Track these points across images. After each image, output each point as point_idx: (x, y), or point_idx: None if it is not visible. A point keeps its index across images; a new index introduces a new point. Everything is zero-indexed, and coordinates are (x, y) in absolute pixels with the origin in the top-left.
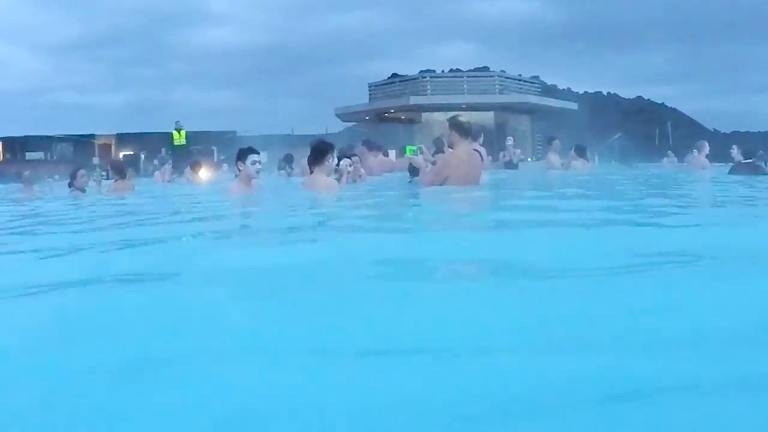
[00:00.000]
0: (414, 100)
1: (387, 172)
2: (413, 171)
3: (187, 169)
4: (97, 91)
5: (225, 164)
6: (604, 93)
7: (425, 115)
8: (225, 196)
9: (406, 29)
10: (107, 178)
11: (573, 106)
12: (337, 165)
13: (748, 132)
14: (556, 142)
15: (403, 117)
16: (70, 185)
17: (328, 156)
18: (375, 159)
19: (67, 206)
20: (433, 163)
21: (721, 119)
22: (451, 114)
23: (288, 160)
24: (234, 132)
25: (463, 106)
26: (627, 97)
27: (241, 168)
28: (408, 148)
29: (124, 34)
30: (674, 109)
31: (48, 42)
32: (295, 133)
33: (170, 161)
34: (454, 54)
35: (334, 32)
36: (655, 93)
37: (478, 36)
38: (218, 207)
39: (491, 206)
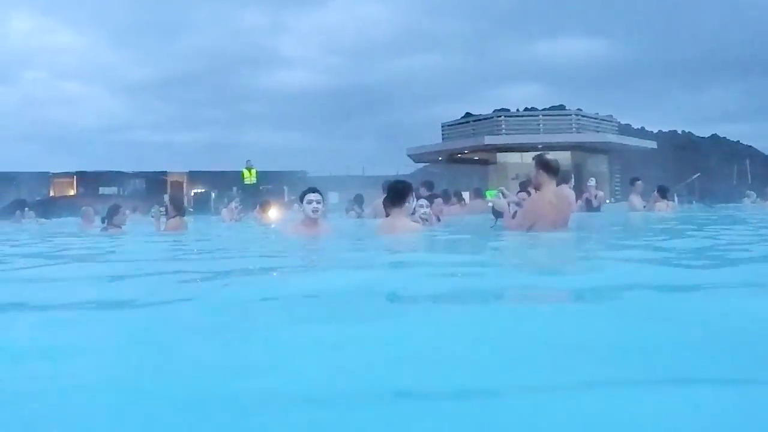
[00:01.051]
0: (488, 139)
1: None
2: (497, 213)
3: (257, 208)
4: (171, 130)
5: (296, 204)
6: (679, 132)
7: (500, 156)
8: (280, 237)
9: (473, 72)
10: (166, 214)
11: (652, 144)
12: None
13: None
14: (639, 183)
15: (476, 158)
16: (103, 221)
17: (409, 197)
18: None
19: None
20: (518, 205)
21: None
22: (527, 154)
23: (358, 200)
24: (304, 172)
25: (539, 146)
26: (702, 136)
27: (301, 208)
28: (489, 192)
29: (196, 76)
30: (750, 147)
31: (124, 82)
32: (365, 174)
33: (238, 199)
34: (523, 96)
35: (402, 75)
36: (730, 131)
37: (544, 77)
38: (270, 248)
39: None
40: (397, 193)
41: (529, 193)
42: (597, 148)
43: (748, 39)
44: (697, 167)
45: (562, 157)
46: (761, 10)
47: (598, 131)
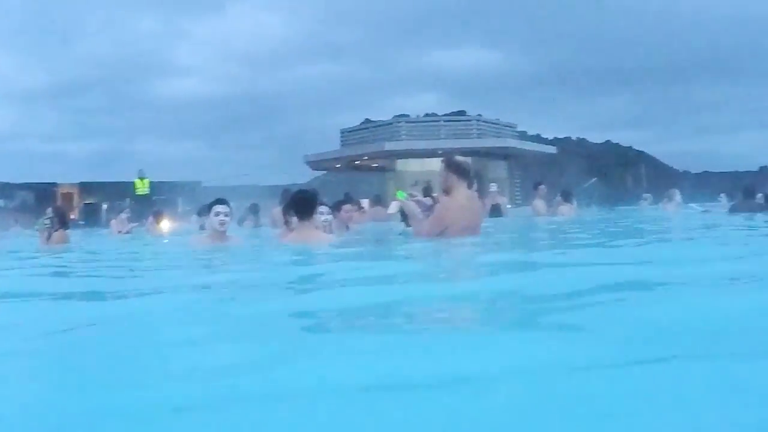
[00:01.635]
0: (388, 145)
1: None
2: (406, 219)
3: (149, 219)
4: (62, 139)
5: (195, 215)
6: (573, 138)
7: (399, 162)
8: (184, 250)
9: (373, 81)
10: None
11: (551, 150)
12: None
13: (722, 172)
14: (543, 188)
15: (375, 165)
16: None
17: (317, 207)
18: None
19: None
20: (429, 209)
21: (686, 160)
22: (427, 160)
23: (253, 210)
24: (199, 182)
25: (439, 152)
26: (596, 142)
27: (203, 221)
28: (399, 193)
29: (90, 83)
30: (642, 152)
31: (13, 89)
32: (261, 184)
33: (127, 209)
34: (422, 105)
35: (300, 84)
36: (623, 137)
37: (443, 86)
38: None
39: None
40: (305, 204)
41: (433, 199)
42: (497, 153)
43: (638, 51)
44: (593, 172)
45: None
46: (651, 23)
47: (498, 137)
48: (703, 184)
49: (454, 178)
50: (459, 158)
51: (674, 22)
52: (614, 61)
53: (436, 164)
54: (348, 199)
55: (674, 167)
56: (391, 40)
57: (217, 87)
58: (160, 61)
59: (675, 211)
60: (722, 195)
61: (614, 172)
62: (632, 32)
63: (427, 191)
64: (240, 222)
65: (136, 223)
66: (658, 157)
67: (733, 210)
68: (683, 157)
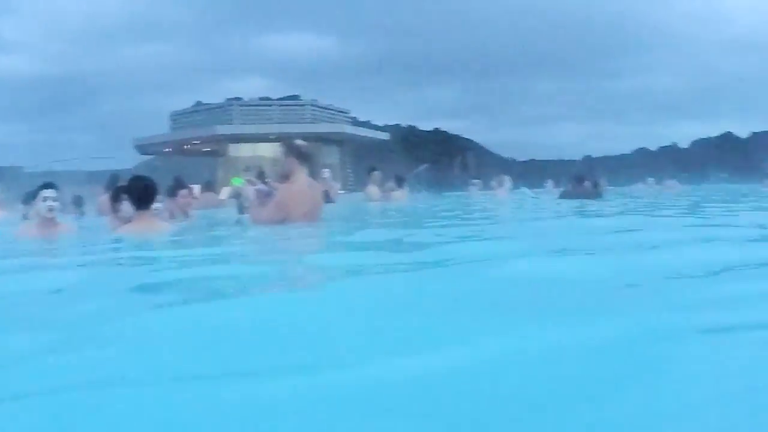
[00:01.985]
0: (220, 129)
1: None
2: (242, 206)
3: None
4: None
5: (20, 204)
6: (403, 125)
7: (231, 147)
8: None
9: (206, 63)
10: None
11: (384, 136)
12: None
13: (548, 160)
14: (377, 173)
15: (206, 149)
16: None
17: (157, 196)
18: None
19: None
20: (267, 195)
21: (512, 149)
22: (260, 145)
23: (77, 202)
24: (21, 168)
25: (272, 137)
26: (425, 129)
27: (30, 208)
28: (236, 179)
29: None
30: (470, 140)
31: None
32: (85, 169)
33: None
34: (254, 89)
35: (128, 64)
36: (451, 126)
37: (275, 71)
38: None
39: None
40: (144, 191)
41: (268, 185)
42: (330, 138)
43: (464, 42)
44: (423, 158)
45: None
46: (477, 16)
47: (332, 122)
48: (529, 172)
49: (295, 163)
50: (300, 142)
51: (503, 17)
52: (443, 52)
53: (268, 149)
54: (181, 184)
55: (501, 155)
56: (222, 22)
57: (41, 66)
58: None
59: (506, 196)
60: (549, 181)
61: (443, 159)
62: (461, 24)
63: (261, 176)
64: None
65: None
66: (485, 146)
67: (563, 196)
68: (510, 146)
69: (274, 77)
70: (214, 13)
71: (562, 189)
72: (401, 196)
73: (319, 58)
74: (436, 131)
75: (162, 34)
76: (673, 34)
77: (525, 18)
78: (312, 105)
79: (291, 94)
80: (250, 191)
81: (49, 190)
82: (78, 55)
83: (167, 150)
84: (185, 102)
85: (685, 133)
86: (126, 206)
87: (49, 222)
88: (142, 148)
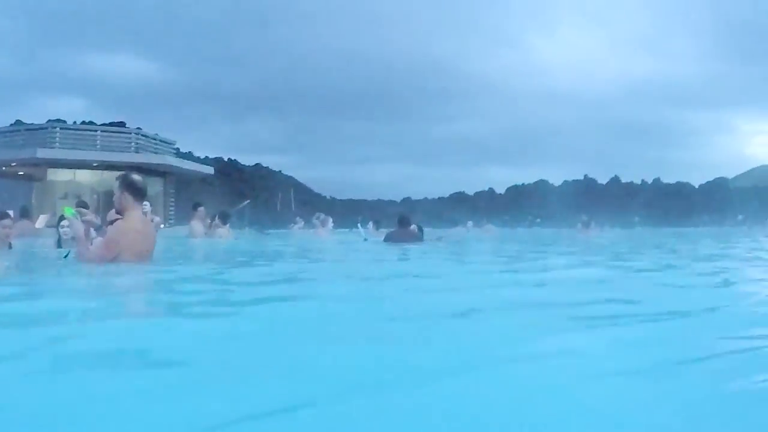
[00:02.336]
0: (41, 153)
1: None
2: (64, 242)
3: None
4: None
5: None
6: (225, 159)
7: (50, 171)
8: None
9: (21, 78)
10: None
11: (209, 170)
12: None
13: (367, 200)
14: (202, 209)
15: (21, 172)
16: None
17: None
18: None
19: None
20: (97, 230)
21: (331, 187)
22: (80, 171)
23: None
24: None
25: (95, 164)
26: (247, 164)
27: None
28: (67, 209)
29: None
30: (291, 177)
31: None
32: None
33: None
34: (74, 109)
35: None
36: (272, 161)
37: (96, 92)
38: None
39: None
40: None
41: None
42: (154, 170)
43: (289, 77)
44: (245, 194)
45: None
46: (300, 52)
47: (156, 152)
48: (348, 211)
49: (130, 199)
50: (136, 177)
51: (327, 56)
52: (266, 87)
53: (88, 176)
54: (3, 212)
55: (321, 193)
56: (42, 35)
57: None
58: None
59: (328, 235)
60: (370, 222)
61: (264, 195)
62: (287, 60)
63: (82, 205)
64: None
65: None
66: (305, 183)
67: (388, 239)
68: (330, 184)
69: (94, 98)
70: (34, 25)
71: (385, 231)
72: (225, 233)
73: (142, 82)
74: (258, 166)
75: None
76: (492, 84)
77: (350, 59)
78: (137, 133)
79: (115, 120)
80: (78, 225)
81: None
82: None
83: None
84: (2, 117)
85: (500, 179)
86: None
87: None
88: None
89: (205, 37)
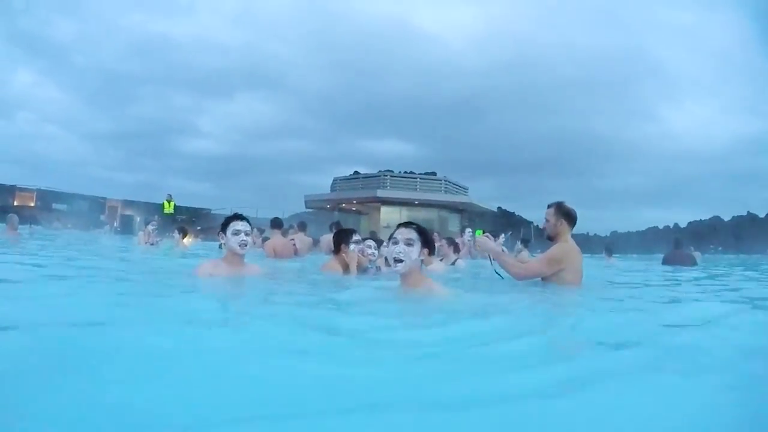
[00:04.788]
0: (380, 192)
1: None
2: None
3: (175, 233)
4: (116, 169)
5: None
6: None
7: (383, 208)
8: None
9: (322, 155)
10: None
11: (493, 208)
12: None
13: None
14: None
15: (354, 209)
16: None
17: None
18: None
19: None
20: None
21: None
22: (401, 208)
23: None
24: (209, 209)
25: (416, 202)
26: (490, 208)
27: (222, 240)
28: (478, 231)
29: (139, 134)
30: (514, 213)
31: (88, 131)
32: (258, 216)
33: (155, 223)
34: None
35: (280, 151)
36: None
37: (374, 163)
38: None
39: None
40: (343, 234)
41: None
42: (456, 207)
43: (499, 150)
44: (506, 227)
45: (429, 214)
46: (506, 130)
47: (457, 194)
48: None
49: (565, 225)
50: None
51: (524, 136)
52: (487, 157)
53: (412, 212)
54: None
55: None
56: (338, 128)
57: (224, 147)
58: (188, 126)
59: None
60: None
61: (512, 229)
62: (494, 138)
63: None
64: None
65: (160, 238)
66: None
67: (665, 261)
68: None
69: (374, 168)
70: (331, 123)
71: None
72: (527, 255)
73: (403, 157)
74: (500, 208)
75: (300, 133)
76: (636, 147)
77: (536, 135)
78: (445, 180)
79: (430, 170)
80: (491, 245)
81: (242, 222)
82: (246, 142)
83: (327, 206)
84: (312, 179)
85: (649, 219)
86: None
87: (238, 259)
88: (309, 203)
89: (442, 124)
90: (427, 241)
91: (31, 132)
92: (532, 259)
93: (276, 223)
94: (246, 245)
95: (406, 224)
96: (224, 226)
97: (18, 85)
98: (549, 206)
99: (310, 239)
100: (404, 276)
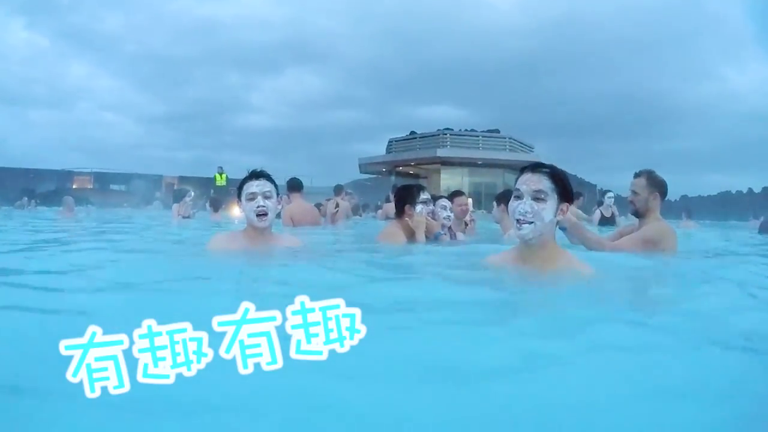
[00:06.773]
0: (440, 152)
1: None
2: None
3: (207, 205)
4: (172, 149)
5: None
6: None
7: (430, 169)
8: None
9: (375, 124)
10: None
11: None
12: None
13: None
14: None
15: (411, 172)
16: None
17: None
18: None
19: None
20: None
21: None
22: (461, 169)
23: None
24: None
25: (479, 162)
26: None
27: (240, 209)
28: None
29: (193, 115)
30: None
31: (143, 115)
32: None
33: (191, 194)
34: None
35: (332, 122)
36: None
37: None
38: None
39: None
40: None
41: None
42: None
43: (557, 113)
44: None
45: (494, 177)
46: (570, 92)
47: (523, 153)
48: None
49: (658, 199)
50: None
51: (585, 97)
52: (539, 120)
53: (474, 172)
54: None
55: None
56: (389, 96)
57: (275, 121)
58: (240, 102)
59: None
60: None
61: None
62: (556, 101)
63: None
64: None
65: (195, 210)
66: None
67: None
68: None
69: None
70: (382, 91)
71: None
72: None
73: (458, 123)
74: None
75: (350, 103)
76: (697, 109)
77: (598, 97)
78: (510, 138)
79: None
80: (572, 217)
81: (257, 181)
82: (297, 115)
83: (383, 170)
84: (365, 149)
85: (711, 183)
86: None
87: (258, 232)
88: (364, 167)
89: (494, 86)
90: (565, 191)
91: (89, 120)
92: (623, 239)
93: (293, 185)
94: (266, 215)
95: (534, 167)
96: (239, 190)
97: (73, 78)
98: (636, 175)
99: (347, 203)
100: (529, 247)
